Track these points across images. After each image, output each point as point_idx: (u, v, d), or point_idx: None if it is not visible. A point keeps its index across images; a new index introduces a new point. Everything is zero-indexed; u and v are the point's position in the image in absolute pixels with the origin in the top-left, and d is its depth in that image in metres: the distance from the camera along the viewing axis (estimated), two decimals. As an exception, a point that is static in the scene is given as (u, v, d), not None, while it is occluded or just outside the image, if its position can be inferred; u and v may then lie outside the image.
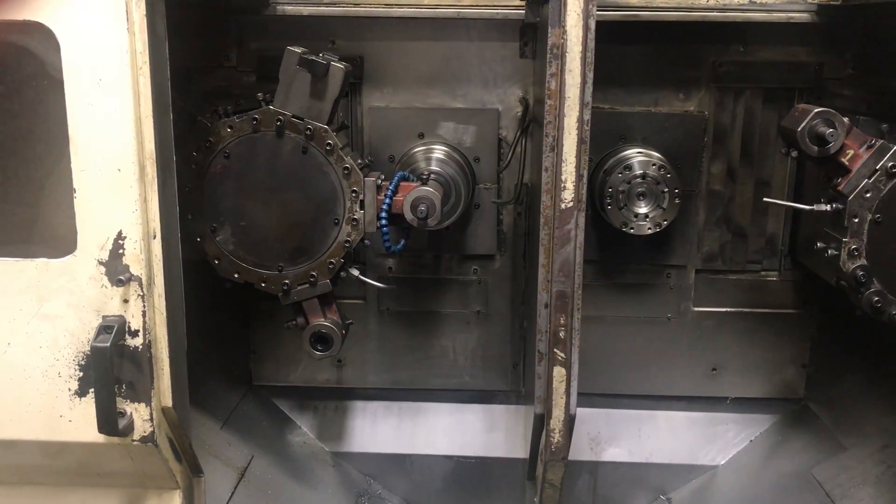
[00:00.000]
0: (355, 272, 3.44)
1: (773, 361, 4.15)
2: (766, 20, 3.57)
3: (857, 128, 3.09)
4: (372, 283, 3.63)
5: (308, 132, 3.11)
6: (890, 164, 2.89)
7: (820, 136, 2.96)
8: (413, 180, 3.38)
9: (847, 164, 2.96)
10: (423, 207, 3.19)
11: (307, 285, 3.28)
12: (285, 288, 3.28)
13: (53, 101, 2.53)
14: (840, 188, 2.96)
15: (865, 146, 2.95)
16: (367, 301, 4.19)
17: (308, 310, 3.35)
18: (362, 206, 3.19)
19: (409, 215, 3.20)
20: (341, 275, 3.36)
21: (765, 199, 3.70)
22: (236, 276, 3.29)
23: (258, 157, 3.15)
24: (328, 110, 3.14)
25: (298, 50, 3.08)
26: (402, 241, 3.47)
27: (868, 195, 2.92)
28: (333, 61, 3.11)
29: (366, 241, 3.33)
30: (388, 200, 3.21)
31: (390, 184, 3.24)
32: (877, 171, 2.90)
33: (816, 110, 2.98)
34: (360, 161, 3.25)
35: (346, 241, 3.23)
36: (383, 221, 3.20)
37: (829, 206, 3.03)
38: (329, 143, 3.12)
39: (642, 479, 4.21)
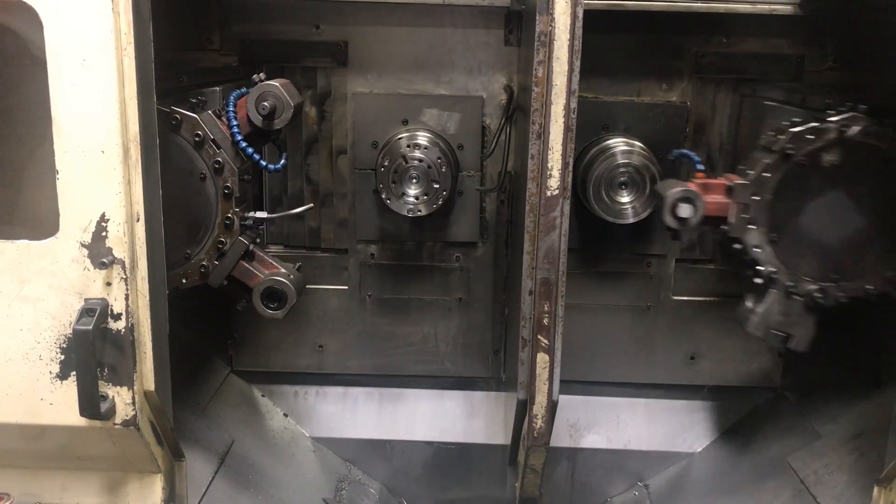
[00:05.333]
0: (262, 214, 3.30)
1: (750, 350, 4.19)
2: (750, 12, 3.60)
3: (770, 117, 3.38)
4: (283, 214, 3.60)
5: (176, 120, 3.00)
6: (753, 194, 3.11)
7: (681, 215, 3.10)
8: None
9: (719, 214, 3.15)
10: (266, 103, 3.04)
11: (222, 255, 3.15)
12: (204, 271, 3.16)
13: (36, 81, 2.50)
14: (731, 234, 3.18)
15: (726, 189, 3.15)
16: (350, 287, 4.19)
17: (242, 276, 3.21)
18: (219, 146, 3.04)
19: (254, 115, 3.06)
20: (246, 223, 3.21)
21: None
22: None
23: None
24: None
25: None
26: (284, 155, 3.39)
27: (753, 228, 3.15)
28: None
29: (245, 177, 3.21)
30: (231, 113, 3.05)
31: (227, 105, 3.08)
32: (749, 203, 3.12)
33: (673, 191, 3.09)
34: (193, 101, 3.14)
35: (226, 188, 3.07)
36: (238, 137, 3.05)
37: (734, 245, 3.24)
38: (176, 118, 3.00)
39: (620, 466, 4.26)
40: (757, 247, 3.18)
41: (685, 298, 4.16)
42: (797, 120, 3.15)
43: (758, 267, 3.21)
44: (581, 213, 3.83)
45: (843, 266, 3.20)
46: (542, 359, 2.89)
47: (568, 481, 4.30)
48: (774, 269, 3.20)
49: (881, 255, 3.19)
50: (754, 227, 3.16)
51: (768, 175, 3.12)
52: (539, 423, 2.98)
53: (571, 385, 4.04)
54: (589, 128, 3.80)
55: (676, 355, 4.24)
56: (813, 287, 3.21)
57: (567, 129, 2.71)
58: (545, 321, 2.85)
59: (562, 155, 2.72)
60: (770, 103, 3.64)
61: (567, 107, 2.69)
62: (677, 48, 3.84)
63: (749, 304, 3.34)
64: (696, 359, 4.24)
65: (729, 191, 3.15)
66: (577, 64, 2.69)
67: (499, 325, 4.22)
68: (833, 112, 3.10)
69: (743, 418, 4.22)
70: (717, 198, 3.16)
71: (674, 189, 3.10)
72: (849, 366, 3.85)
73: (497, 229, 4.10)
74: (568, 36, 2.64)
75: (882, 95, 3.52)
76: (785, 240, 3.18)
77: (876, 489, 2.86)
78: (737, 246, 3.21)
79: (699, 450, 4.22)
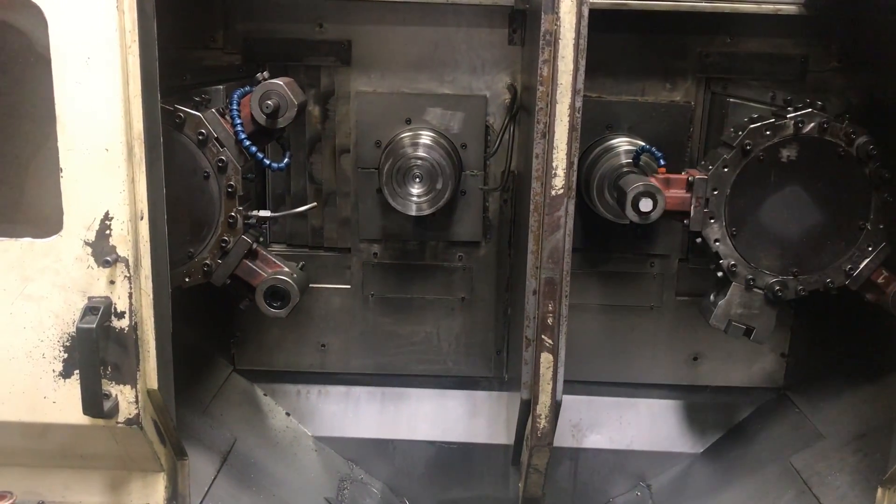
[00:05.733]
0: (265, 213, 3.29)
1: (753, 350, 4.19)
2: (755, 11, 3.59)
3: (733, 114, 3.52)
4: (286, 213, 3.65)
5: (179, 119, 3.00)
6: (712, 188, 3.20)
7: (642, 209, 3.15)
8: None
9: (681, 209, 3.23)
10: (270, 102, 3.03)
11: (225, 254, 3.15)
12: (207, 269, 3.15)
13: (40, 79, 2.50)
14: (692, 228, 3.26)
15: (687, 184, 3.22)
16: (352, 286, 4.18)
17: (246, 275, 3.21)
18: (222, 145, 3.04)
19: (258, 114, 3.05)
20: (249, 222, 3.20)
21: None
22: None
23: None
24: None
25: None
26: (288, 154, 3.36)
27: (713, 221, 3.22)
28: None
29: (249, 176, 3.20)
30: (235, 112, 3.05)
31: (231, 104, 3.08)
32: (709, 198, 3.21)
33: (635, 186, 3.14)
34: (196, 99, 3.13)
35: (229, 187, 3.06)
36: (242, 136, 3.04)
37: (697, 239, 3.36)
38: (179, 116, 3.00)
39: (623, 466, 4.25)
40: (717, 240, 3.28)
41: (688, 298, 4.15)
42: (755, 116, 3.24)
43: (719, 260, 3.30)
44: (584, 212, 3.82)
45: (802, 259, 3.32)
46: (545, 359, 2.88)
47: (570, 481, 4.29)
48: (734, 263, 3.30)
49: (840, 249, 3.29)
50: (714, 220, 3.25)
51: (727, 170, 3.21)
52: (543, 422, 2.98)
53: (574, 385, 4.02)
54: (592, 127, 3.80)
55: (679, 355, 4.24)
56: (773, 280, 3.32)
57: (572, 128, 2.70)
58: (549, 321, 2.85)
59: (567, 154, 2.71)
60: (733, 100, 3.69)
61: (572, 106, 2.68)
62: (681, 48, 3.84)
63: (711, 297, 3.45)
64: (699, 359, 4.24)
65: (689, 185, 3.22)
66: (583, 63, 2.68)
67: (501, 324, 4.21)
68: (791, 109, 3.18)
69: (746, 419, 4.21)
70: (678, 192, 3.24)
71: (635, 184, 3.15)
72: (852, 366, 3.85)
73: (500, 229, 4.09)
74: (573, 35, 2.63)
75: (886, 95, 3.53)
76: (745, 233, 3.28)
77: (879, 490, 2.86)
78: (698, 240, 3.31)
79: (701, 450, 4.21)
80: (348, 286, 4.19)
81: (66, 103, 2.46)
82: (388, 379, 4.32)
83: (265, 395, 4.29)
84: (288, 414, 4.28)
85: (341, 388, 4.33)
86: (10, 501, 2.90)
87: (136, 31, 2.46)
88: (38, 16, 2.42)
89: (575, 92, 2.67)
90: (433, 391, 4.33)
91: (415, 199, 3.74)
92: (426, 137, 3.81)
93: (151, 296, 2.64)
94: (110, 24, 2.42)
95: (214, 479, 3.49)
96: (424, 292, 4.19)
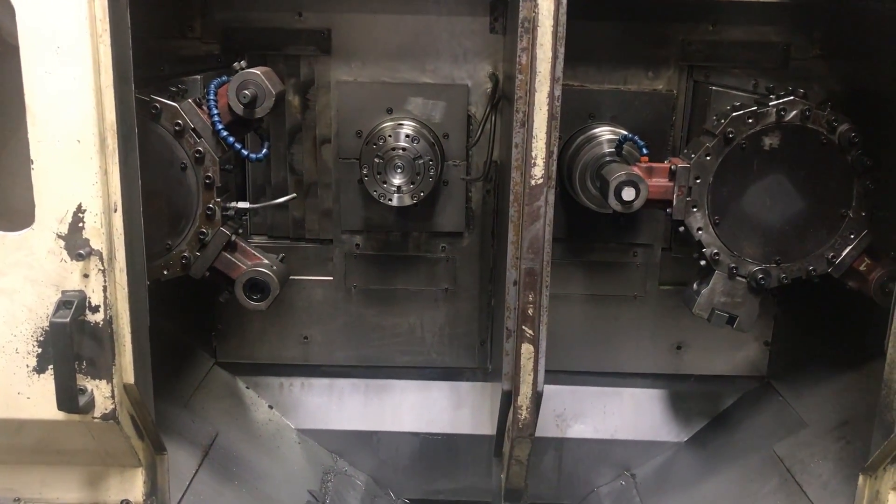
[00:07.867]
0: (244, 205, 3.27)
1: (736, 339, 4.19)
2: (737, -1, 3.58)
3: (716, 102, 3.55)
4: (266, 205, 3.60)
5: (155, 109, 2.98)
6: (695, 177, 3.20)
7: (625, 198, 3.14)
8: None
9: (663, 198, 3.23)
10: (247, 92, 3.02)
11: (203, 246, 3.12)
12: (185, 262, 3.12)
13: (9, 68, 2.45)
14: (675, 217, 3.27)
15: (669, 172, 3.22)
16: (335, 278, 4.16)
17: (225, 268, 3.19)
18: (199, 135, 3.02)
19: (235, 104, 3.04)
20: (228, 213, 3.18)
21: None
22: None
23: None
24: None
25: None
26: (266, 144, 3.32)
27: (696, 210, 3.25)
28: None
29: (227, 167, 3.16)
30: (212, 102, 3.04)
31: (208, 94, 3.07)
32: (692, 186, 3.22)
33: (617, 175, 3.13)
34: (173, 90, 3.11)
35: (207, 178, 3.04)
36: (219, 126, 3.03)
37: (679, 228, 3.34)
38: (155, 106, 2.98)
39: (607, 456, 4.26)
40: (700, 229, 3.28)
41: (672, 288, 4.14)
42: (738, 104, 3.24)
43: (702, 249, 3.31)
44: (567, 202, 3.81)
45: (785, 247, 3.32)
46: (526, 349, 2.87)
47: (555, 471, 4.29)
48: (717, 251, 3.31)
49: (822, 237, 3.30)
50: (697, 209, 3.25)
51: (709, 158, 3.21)
52: (524, 414, 2.96)
53: (558, 375, 4.03)
54: (575, 116, 3.78)
55: (663, 345, 4.24)
56: (756, 268, 3.32)
57: (551, 117, 2.68)
58: (530, 311, 2.83)
59: (546, 143, 2.69)
60: (716, 88, 3.68)
61: (551, 94, 2.66)
62: (663, 36, 3.82)
63: (694, 285, 3.45)
64: (683, 348, 4.24)
65: (672, 174, 3.22)
66: (562, 51, 2.66)
67: (485, 315, 4.20)
68: (773, 97, 3.18)
69: (729, 407, 4.23)
70: (660, 181, 3.24)
71: (618, 173, 3.14)
72: (835, 355, 3.85)
73: (483, 219, 4.07)
74: (552, 22, 2.60)
75: (867, 84, 3.52)
76: (727, 222, 3.28)
77: (861, 477, 2.86)
78: (681, 229, 3.31)
79: (686, 439, 4.22)
80: (330, 278, 4.16)
81: (35, 94, 2.40)
82: (372, 371, 4.31)
83: (247, 387, 4.27)
84: (271, 407, 4.26)
85: (324, 381, 4.31)
86: (-13, 498, 2.87)
87: (108, 19, 2.40)
88: (5, 3, 2.36)
89: (554, 80, 2.65)
90: (417, 382, 4.32)
91: (397, 189, 3.71)
92: (408, 127, 3.77)
93: (126, 289, 2.59)
94: (80, 11, 2.36)
95: (196, 473, 3.46)
96: (407, 283, 4.17)
